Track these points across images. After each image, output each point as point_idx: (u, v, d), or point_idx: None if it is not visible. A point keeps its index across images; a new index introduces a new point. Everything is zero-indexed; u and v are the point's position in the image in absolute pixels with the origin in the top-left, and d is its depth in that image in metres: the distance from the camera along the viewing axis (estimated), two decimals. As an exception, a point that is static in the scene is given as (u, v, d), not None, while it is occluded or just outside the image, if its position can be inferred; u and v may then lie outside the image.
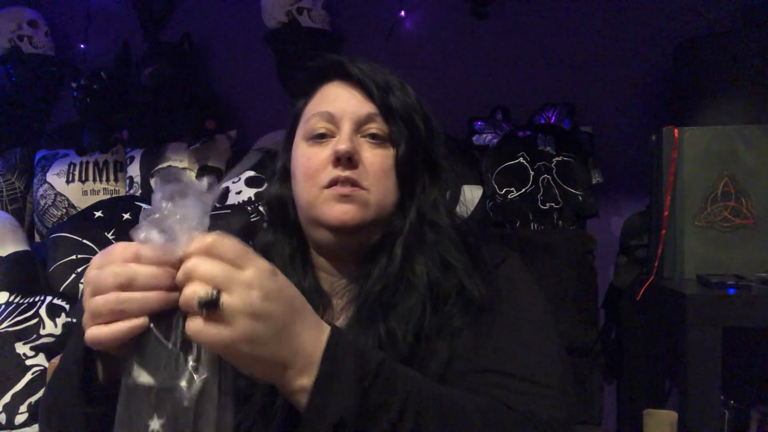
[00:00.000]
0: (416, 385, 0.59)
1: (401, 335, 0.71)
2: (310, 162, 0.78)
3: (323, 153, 0.77)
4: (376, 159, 0.77)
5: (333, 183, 0.76)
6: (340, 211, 0.76)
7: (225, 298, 0.50)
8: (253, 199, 2.00)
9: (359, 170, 0.76)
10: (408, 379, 0.59)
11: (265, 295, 0.52)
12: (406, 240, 0.77)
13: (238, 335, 0.51)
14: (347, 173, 0.75)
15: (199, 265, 0.52)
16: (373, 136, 0.79)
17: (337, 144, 0.76)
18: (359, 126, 0.78)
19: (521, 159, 1.96)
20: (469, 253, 0.79)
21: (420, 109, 0.82)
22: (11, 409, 1.64)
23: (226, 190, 2.07)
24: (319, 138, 0.79)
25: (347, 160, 0.75)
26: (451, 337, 0.73)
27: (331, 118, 0.78)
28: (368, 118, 0.78)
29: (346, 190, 0.76)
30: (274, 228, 0.86)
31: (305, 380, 0.55)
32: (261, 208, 1.97)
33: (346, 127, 0.77)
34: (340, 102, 0.79)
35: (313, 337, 0.56)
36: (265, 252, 0.84)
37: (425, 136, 0.81)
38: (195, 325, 0.51)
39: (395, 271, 0.76)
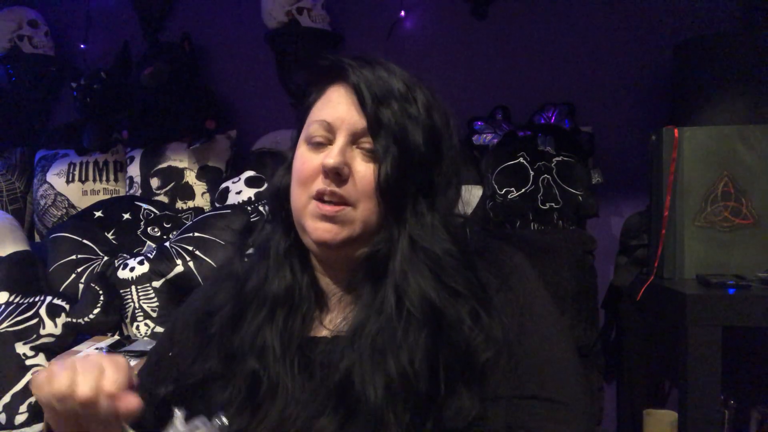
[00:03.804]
0: None
1: (412, 373, 0.68)
2: (304, 167, 0.77)
3: (317, 160, 0.76)
4: (367, 172, 0.75)
5: (320, 195, 0.75)
6: (322, 229, 0.75)
7: None
8: (253, 199, 2.00)
9: (348, 185, 0.74)
10: None
11: None
12: (397, 272, 0.73)
13: None
14: (333, 188, 0.74)
15: None
16: (368, 149, 0.76)
17: (326, 158, 0.74)
18: (355, 138, 0.76)
19: (521, 159, 1.96)
20: (477, 277, 0.74)
21: (426, 123, 0.76)
22: (11, 409, 1.64)
23: (226, 190, 2.07)
24: (318, 145, 0.77)
25: (335, 174, 0.74)
26: (479, 378, 0.69)
27: (330, 128, 0.76)
28: (363, 132, 0.76)
29: (330, 209, 0.74)
30: (274, 220, 0.85)
31: None
32: (261, 208, 1.97)
33: (340, 140, 0.75)
34: (339, 110, 0.76)
35: None
36: (264, 245, 0.84)
37: (424, 155, 0.75)
38: None
39: (389, 305, 0.72)
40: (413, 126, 0.75)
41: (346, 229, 0.75)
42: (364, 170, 0.75)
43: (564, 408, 0.70)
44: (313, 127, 0.77)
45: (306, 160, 0.77)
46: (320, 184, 0.75)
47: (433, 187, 0.77)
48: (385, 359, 0.69)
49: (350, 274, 0.79)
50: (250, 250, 0.88)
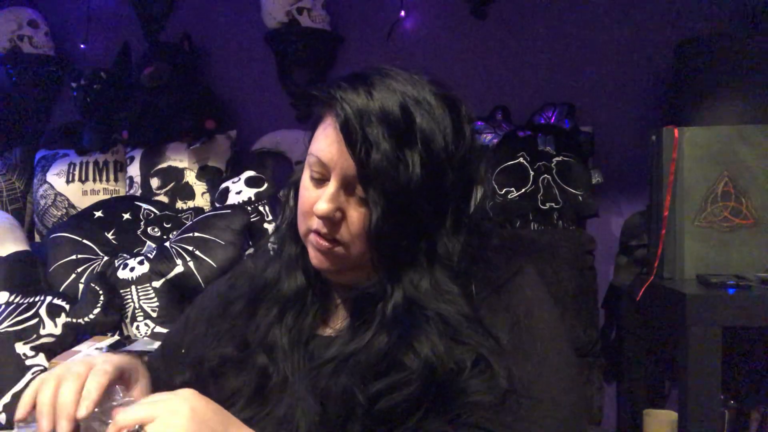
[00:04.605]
0: None
1: (366, 403, 0.66)
2: (305, 199, 0.76)
3: (314, 196, 0.74)
4: (359, 218, 0.72)
5: (316, 231, 0.74)
6: (317, 259, 0.76)
7: (149, 427, 0.58)
8: (253, 199, 2.00)
9: (341, 228, 0.73)
10: None
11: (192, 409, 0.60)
12: (386, 323, 0.71)
13: None
14: (325, 231, 0.73)
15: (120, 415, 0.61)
16: (360, 197, 0.73)
17: (318, 202, 0.72)
18: (347, 183, 0.72)
19: (521, 159, 1.96)
20: (484, 325, 0.71)
21: (424, 160, 0.70)
22: (11, 409, 1.64)
23: (226, 190, 2.07)
24: (316, 180, 0.75)
25: (326, 220, 0.72)
26: (465, 411, 0.67)
27: (325, 167, 0.73)
28: (354, 178, 0.71)
29: (323, 245, 0.74)
30: (285, 224, 0.85)
31: None
32: (261, 208, 1.97)
33: (333, 184, 0.72)
34: (332, 150, 0.72)
35: None
36: (279, 244, 0.86)
37: (420, 199, 0.70)
38: None
39: (363, 342, 0.71)
40: (407, 167, 0.69)
41: (339, 263, 0.75)
42: (356, 216, 0.73)
43: (547, 406, 0.68)
44: (312, 158, 0.75)
45: (306, 192, 0.76)
46: (315, 223, 0.74)
47: (435, 230, 0.73)
48: (321, 389, 0.69)
49: (348, 291, 0.80)
50: (250, 250, 0.89)
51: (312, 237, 0.75)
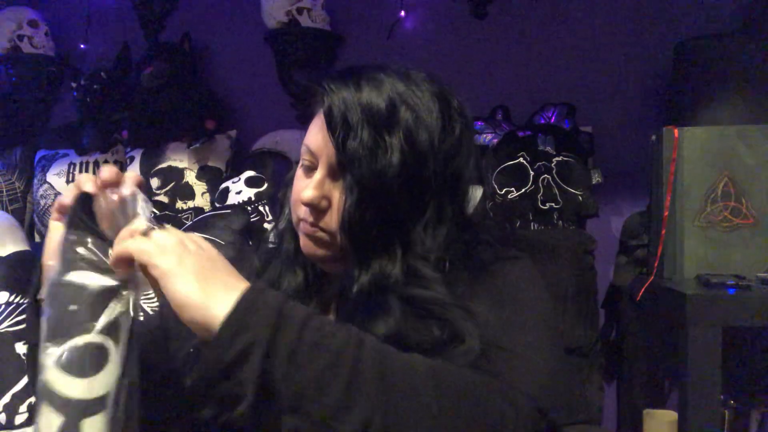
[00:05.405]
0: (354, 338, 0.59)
1: None
2: (296, 188, 0.78)
3: (305, 184, 0.76)
4: (340, 205, 0.73)
5: (305, 219, 0.76)
6: (306, 246, 0.77)
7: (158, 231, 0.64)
8: (253, 199, 2.00)
9: (327, 216, 0.74)
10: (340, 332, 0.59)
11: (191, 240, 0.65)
12: (356, 305, 0.71)
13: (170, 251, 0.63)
14: (311, 219, 0.74)
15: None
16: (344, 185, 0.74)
17: (304, 191, 0.74)
18: (333, 171, 0.73)
19: (521, 159, 1.96)
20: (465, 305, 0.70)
21: (407, 151, 0.70)
22: (11, 409, 1.64)
23: (226, 190, 2.07)
24: (306, 168, 0.77)
25: (312, 207, 0.74)
26: None
27: (313, 155, 0.75)
28: (338, 165, 0.73)
29: (311, 230, 0.75)
30: (283, 220, 0.86)
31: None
32: (261, 208, 1.97)
33: (319, 172, 0.74)
34: (319, 139, 0.74)
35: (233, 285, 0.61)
36: (278, 241, 0.86)
37: (396, 191, 0.70)
38: (133, 241, 0.62)
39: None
40: (385, 155, 0.69)
41: (327, 250, 0.76)
42: (339, 203, 0.73)
43: (524, 360, 0.67)
44: (303, 148, 0.77)
45: (297, 181, 0.78)
46: (302, 211, 0.75)
47: (413, 221, 0.73)
48: None
49: (341, 282, 0.80)
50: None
51: (302, 225, 0.76)
